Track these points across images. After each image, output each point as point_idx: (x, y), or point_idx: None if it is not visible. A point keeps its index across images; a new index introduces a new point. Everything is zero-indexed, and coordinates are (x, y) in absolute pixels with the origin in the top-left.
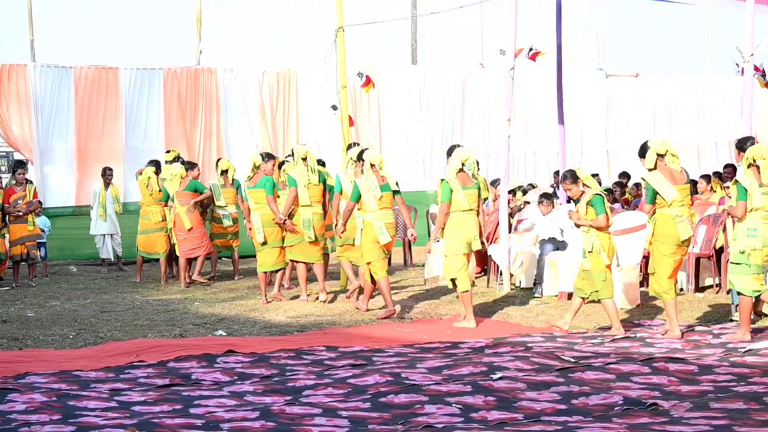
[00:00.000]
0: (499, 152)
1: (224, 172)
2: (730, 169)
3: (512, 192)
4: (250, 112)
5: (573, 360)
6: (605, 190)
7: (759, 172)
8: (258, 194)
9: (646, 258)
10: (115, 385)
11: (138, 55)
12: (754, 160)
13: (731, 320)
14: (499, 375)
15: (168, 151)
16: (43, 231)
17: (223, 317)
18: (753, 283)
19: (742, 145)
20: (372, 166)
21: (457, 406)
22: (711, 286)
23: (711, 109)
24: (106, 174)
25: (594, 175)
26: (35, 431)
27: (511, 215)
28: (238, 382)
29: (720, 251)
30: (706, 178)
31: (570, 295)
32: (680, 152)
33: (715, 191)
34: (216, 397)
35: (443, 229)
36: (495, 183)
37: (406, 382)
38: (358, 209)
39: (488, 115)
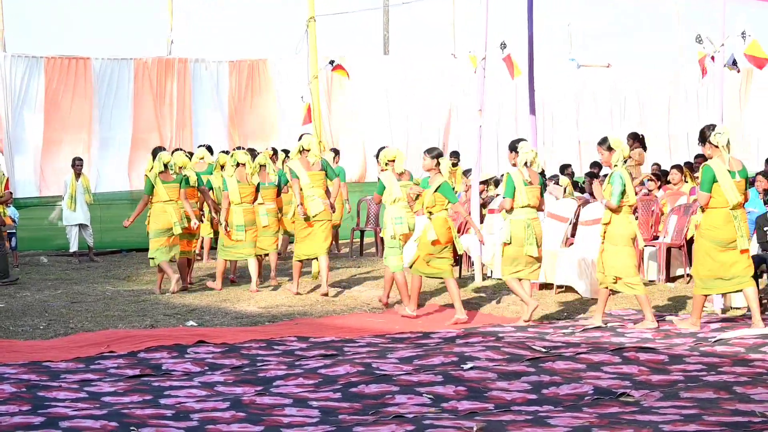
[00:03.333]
0: (471, 143)
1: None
2: (701, 159)
3: (485, 183)
4: (221, 103)
5: (544, 350)
6: (574, 182)
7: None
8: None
9: None
10: (85, 375)
11: (109, 45)
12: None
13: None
14: (470, 365)
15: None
16: (14, 221)
17: (194, 308)
18: None
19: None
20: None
21: (428, 396)
22: (681, 276)
23: (682, 100)
24: (76, 164)
25: (567, 166)
26: (4, 422)
27: (483, 206)
28: (209, 373)
29: (691, 241)
30: (678, 168)
31: (541, 286)
32: (651, 143)
33: (686, 182)
34: (186, 388)
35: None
36: (467, 173)
37: (377, 372)
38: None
39: (459, 106)
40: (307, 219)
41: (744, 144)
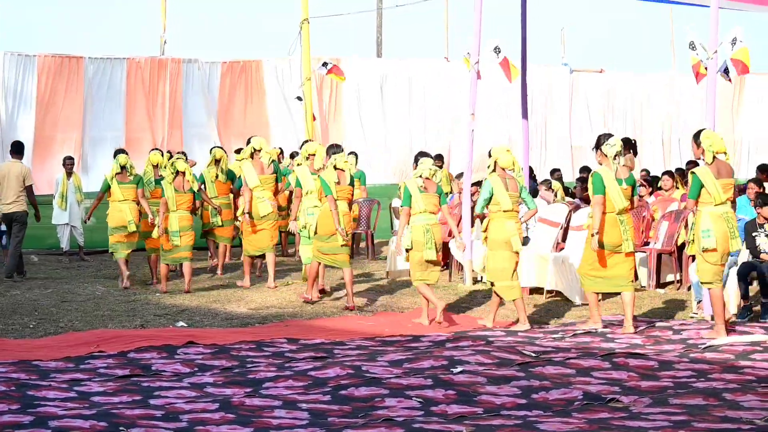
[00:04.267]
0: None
1: (218, 161)
2: (693, 165)
3: (477, 185)
4: (213, 103)
5: (534, 355)
6: (565, 187)
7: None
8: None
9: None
10: (75, 375)
11: (102, 44)
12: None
13: (692, 316)
14: (459, 369)
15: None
16: None
17: (184, 308)
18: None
19: (698, 138)
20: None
21: (418, 399)
22: (672, 282)
23: (675, 106)
24: (67, 163)
25: (556, 170)
26: None
27: (473, 209)
28: (199, 374)
29: (682, 247)
30: (669, 174)
31: (531, 290)
32: (644, 148)
33: (677, 188)
34: (176, 389)
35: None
36: (460, 176)
37: (367, 375)
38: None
39: (453, 109)
40: (253, 219)
41: (736, 150)
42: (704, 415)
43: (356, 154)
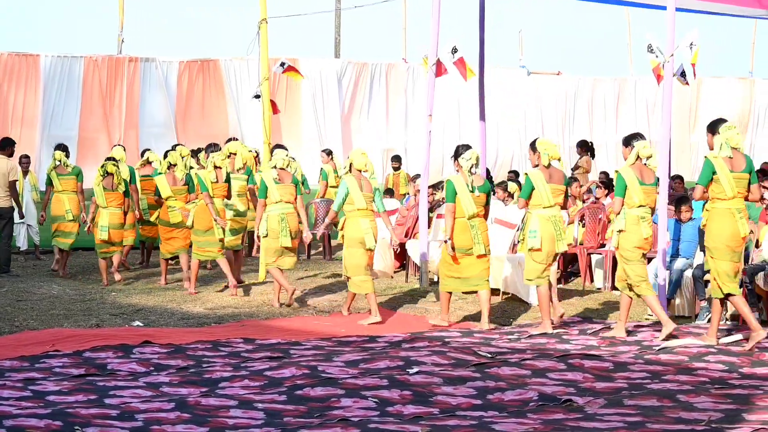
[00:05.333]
0: (421, 147)
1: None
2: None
3: (433, 187)
4: (171, 102)
5: (489, 355)
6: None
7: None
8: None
9: (564, 254)
10: (30, 374)
11: (59, 42)
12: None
13: (647, 318)
14: (415, 369)
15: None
16: None
17: (140, 308)
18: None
19: (629, 141)
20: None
21: (374, 399)
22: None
23: (630, 108)
24: (23, 162)
25: (513, 172)
26: None
27: (430, 210)
28: (154, 373)
29: None
30: None
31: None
32: (600, 150)
33: None
34: (131, 388)
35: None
36: (416, 178)
37: (323, 375)
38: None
39: (411, 110)
40: (168, 225)
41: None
42: (658, 416)
43: (330, 151)
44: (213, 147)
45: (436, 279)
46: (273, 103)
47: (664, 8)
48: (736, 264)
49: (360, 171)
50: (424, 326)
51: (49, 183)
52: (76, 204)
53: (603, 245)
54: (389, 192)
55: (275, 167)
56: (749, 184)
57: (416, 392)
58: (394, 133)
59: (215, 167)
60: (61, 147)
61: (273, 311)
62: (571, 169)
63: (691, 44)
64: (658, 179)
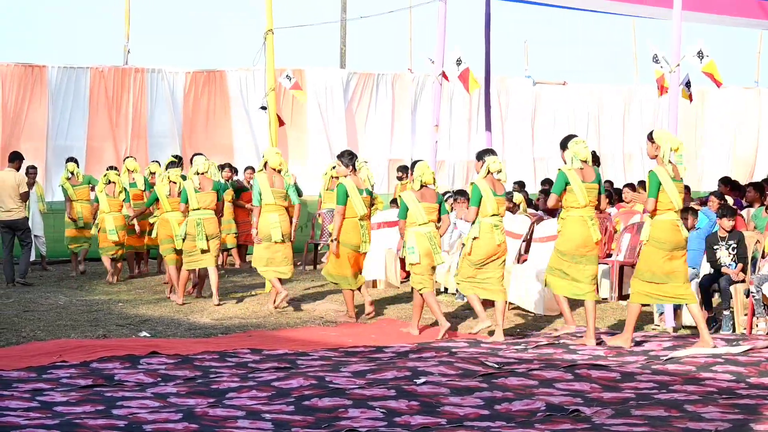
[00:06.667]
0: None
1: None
2: None
3: (458, 194)
4: (177, 113)
5: (496, 366)
6: (528, 199)
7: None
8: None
9: None
10: (38, 385)
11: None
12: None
13: (654, 328)
14: (422, 380)
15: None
16: None
17: (147, 318)
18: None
19: (482, 156)
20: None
21: (381, 410)
22: None
23: (637, 118)
24: (29, 173)
25: (519, 183)
26: None
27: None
28: (162, 384)
29: None
30: (631, 186)
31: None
32: (606, 160)
33: None
34: (139, 399)
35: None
36: None
37: (330, 385)
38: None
39: (417, 120)
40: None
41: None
42: (666, 426)
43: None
44: (175, 163)
45: (443, 288)
46: (278, 117)
47: (669, 19)
48: (593, 268)
49: (274, 169)
50: (431, 336)
51: (65, 193)
52: (89, 212)
53: (609, 255)
54: (395, 202)
55: (197, 173)
56: (599, 194)
57: (424, 403)
58: (399, 143)
59: (170, 181)
60: (73, 159)
61: (280, 322)
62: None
63: (700, 53)
64: (507, 192)
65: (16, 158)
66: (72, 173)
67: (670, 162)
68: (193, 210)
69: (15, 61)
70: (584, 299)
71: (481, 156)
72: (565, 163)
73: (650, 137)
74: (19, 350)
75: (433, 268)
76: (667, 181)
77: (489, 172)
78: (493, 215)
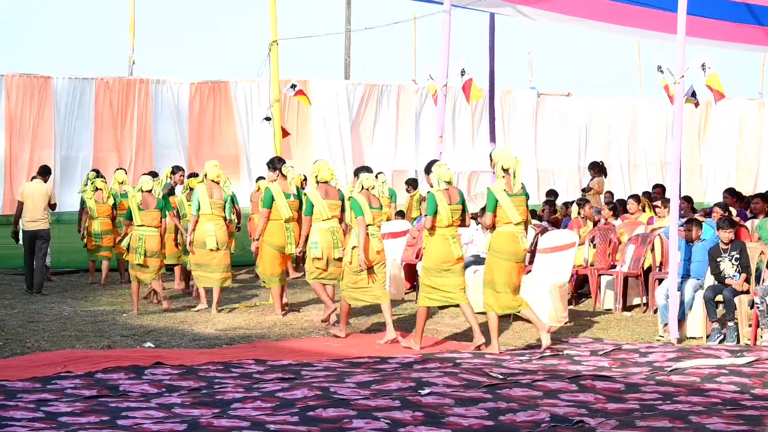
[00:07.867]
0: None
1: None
2: (660, 189)
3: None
4: (182, 124)
5: (501, 377)
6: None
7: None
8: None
9: (575, 276)
10: (42, 395)
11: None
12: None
13: (658, 339)
14: (427, 390)
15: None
16: None
17: (151, 329)
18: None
19: (429, 168)
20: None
21: (385, 420)
22: (638, 305)
23: (641, 130)
24: None
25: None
26: None
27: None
28: (166, 394)
29: (648, 271)
30: (635, 198)
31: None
32: (611, 171)
33: (644, 211)
34: (144, 409)
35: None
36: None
37: (335, 396)
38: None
39: (420, 131)
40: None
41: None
42: None
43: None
44: (151, 173)
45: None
46: (282, 128)
47: (673, 42)
48: (460, 279)
49: (213, 181)
50: (436, 347)
51: (83, 205)
52: (108, 229)
53: (613, 266)
54: (400, 214)
55: (141, 191)
56: (462, 213)
57: (428, 413)
58: (403, 154)
59: (142, 192)
60: (98, 173)
61: (284, 332)
62: (582, 191)
63: (704, 65)
64: (459, 201)
65: (47, 172)
66: (98, 189)
67: (504, 177)
68: (138, 226)
69: (21, 72)
70: (458, 303)
71: (429, 168)
72: (431, 186)
73: (490, 155)
74: (24, 361)
75: (337, 260)
76: (504, 198)
77: (363, 187)
78: (449, 225)
